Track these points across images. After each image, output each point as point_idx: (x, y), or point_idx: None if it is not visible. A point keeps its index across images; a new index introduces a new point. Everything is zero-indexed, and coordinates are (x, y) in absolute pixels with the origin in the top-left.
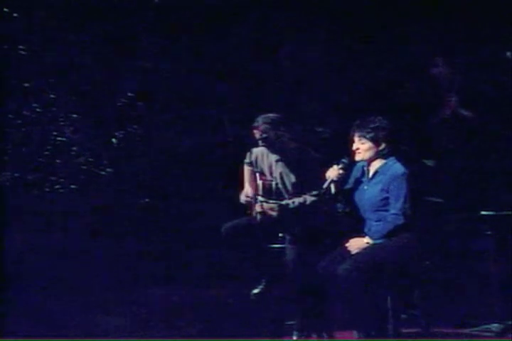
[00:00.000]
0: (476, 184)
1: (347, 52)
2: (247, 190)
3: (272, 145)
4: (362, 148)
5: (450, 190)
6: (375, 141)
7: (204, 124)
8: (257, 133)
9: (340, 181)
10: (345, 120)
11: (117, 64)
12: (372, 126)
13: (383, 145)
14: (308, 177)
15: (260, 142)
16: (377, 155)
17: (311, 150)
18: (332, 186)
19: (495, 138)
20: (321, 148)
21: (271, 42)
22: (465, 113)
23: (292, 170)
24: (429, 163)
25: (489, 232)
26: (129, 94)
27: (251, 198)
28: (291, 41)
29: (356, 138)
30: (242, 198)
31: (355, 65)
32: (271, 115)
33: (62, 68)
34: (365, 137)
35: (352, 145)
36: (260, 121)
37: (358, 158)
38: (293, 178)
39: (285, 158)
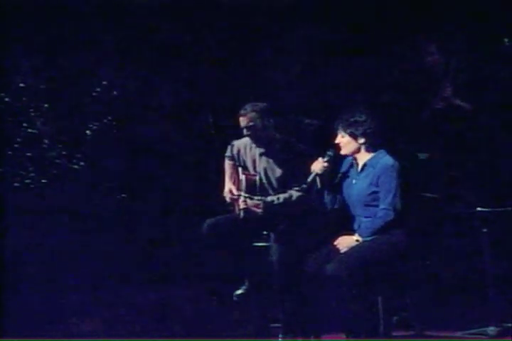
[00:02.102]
0: (472, 179)
1: (336, 41)
2: (230, 186)
3: (257, 136)
4: (343, 142)
5: (444, 185)
6: (354, 136)
7: (185, 116)
8: (242, 121)
9: (325, 175)
10: (334, 111)
11: (92, 51)
12: (350, 120)
13: (363, 140)
14: (294, 171)
15: (245, 131)
16: (360, 148)
17: (297, 142)
18: (317, 180)
19: (492, 130)
20: (308, 140)
21: (259, 32)
22: (460, 103)
23: (277, 164)
24: (422, 156)
25: (485, 230)
26: (104, 83)
27: (236, 196)
28: (280, 32)
29: (338, 132)
30: (227, 196)
31: (344, 54)
32: (260, 104)
33: (32, 54)
34: (344, 131)
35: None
36: (248, 108)
37: (342, 152)
38: (278, 173)
39: (270, 151)
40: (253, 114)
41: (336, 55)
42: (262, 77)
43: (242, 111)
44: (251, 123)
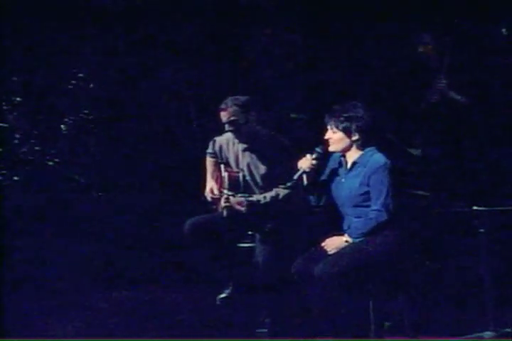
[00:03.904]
0: (468, 176)
1: (326, 32)
2: (212, 184)
3: (239, 131)
4: (334, 138)
5: (439, 183)
6: (348, 132)
7: (165, 109)
8: (224, 116)
9: (313, 172)
10: (323, 105)
11: (67, 40)
12: (345, 115)
13: (357, 136)
14: (279, 168)
15: (227, 126)
16: (352, 145)
17: (283, 138)
18: (304, 177)
19: (489, 125)
20: (295, 136)
21: (244, 25)
22: (456, 97)
23: (262, 161)
24: (416, 152)
25: (482, 230)
26: (80, 75)
27: (218, 195)
28: (267, 24)
29: (329, 127)
30: (208, 195)
31: (334, 46)
32: (241, 97)
33: (2, 44)
34: (337, 127)
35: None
36: (229, 102)
37: (331, 148)
38: (262, 170)
39: (254, 147)
40: (235, 108)
41: (326, 47)
42: (247, 70)
43: (223, 106)
44: (233, 118)
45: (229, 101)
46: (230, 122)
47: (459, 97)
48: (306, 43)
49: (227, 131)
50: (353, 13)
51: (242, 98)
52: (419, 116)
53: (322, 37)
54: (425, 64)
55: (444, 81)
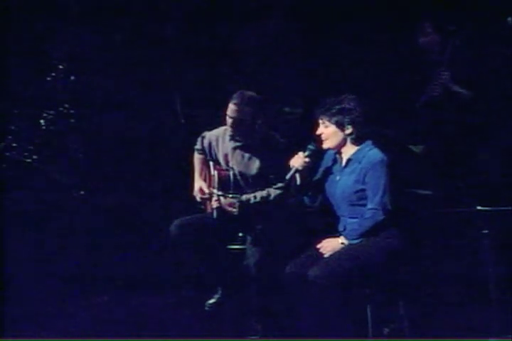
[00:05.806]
0: (471, 174)
1: (323, 24)
2: (201, 183)
3: (239, 129)
4: (326, 133)
5: (440, 181)
6: (340, 125)
7: (150, 104)
8: (233, 111)
9: (306, 171)
10: (319, 99)
11: (45, 31)
12: (337, 107)
13: (350, 130)
14: (272, 167)
15: (230, 120)
16: (346, 140)
17: (277, 135)
18: (297, 177)
19: (493, 119)
20: (288, 132)
21: (235, 17)
22: (458, 90)
23: (254, 159)
24: (417, 149)
25: (486, 231)
26: (60, 67)
27: (208, 194)
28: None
29: (320, 122)
30: (197, 194)
31: (333, 38)
32: (257, 96)
33: None
34: (329, 120)
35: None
36: (246, 100)
37: (324, 145)
38: (254, 168)
39: (246, 145)
40: (249, 108)
41: (324, 39)
42: (236, 63)
43: (238, 101)
44: (242, 117)
45: (246, 98)
46: (235, 119)
47: (462, 91)
48: (302, 35)
49: (224, 125)
50: (352, 4)
51: (258, 97)
52: (421, 111)
53: (319, 29)
54: (427, 56)
55: (447, 73)
